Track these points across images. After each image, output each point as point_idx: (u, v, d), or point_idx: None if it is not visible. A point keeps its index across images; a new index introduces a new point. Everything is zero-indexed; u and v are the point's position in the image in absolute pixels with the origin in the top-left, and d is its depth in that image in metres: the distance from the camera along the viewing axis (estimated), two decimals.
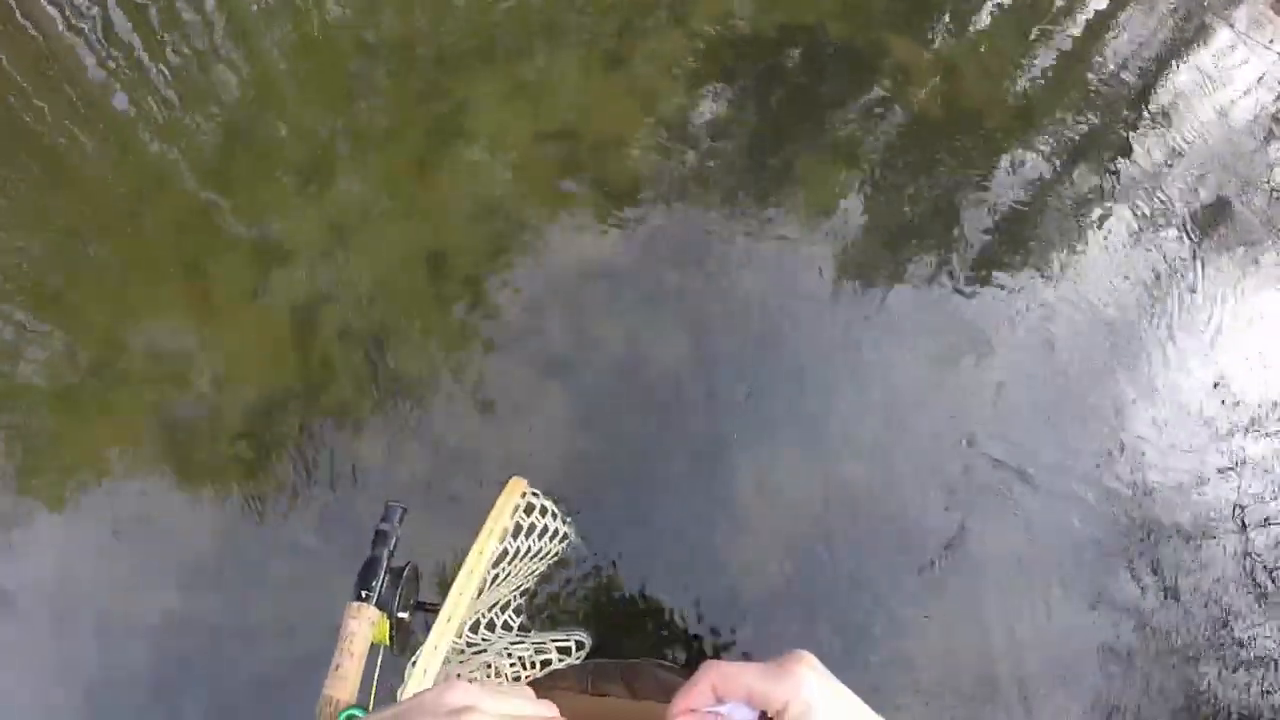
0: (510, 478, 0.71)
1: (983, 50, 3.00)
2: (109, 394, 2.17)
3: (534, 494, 0.73)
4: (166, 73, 2.80)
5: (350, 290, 2.23)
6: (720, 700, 0.47)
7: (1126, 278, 2.43)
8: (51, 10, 3.33)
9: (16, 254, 2.49)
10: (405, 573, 0.81)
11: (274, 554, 1.98)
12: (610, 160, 2.44)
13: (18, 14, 3.23)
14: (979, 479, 2.05)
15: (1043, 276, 2.39)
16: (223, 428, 2.07)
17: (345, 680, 0.69)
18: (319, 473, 2.02)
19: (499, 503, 0.68)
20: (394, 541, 0.82)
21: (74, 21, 3.09)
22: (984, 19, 3.14)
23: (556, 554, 0.81)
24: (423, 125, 2.54)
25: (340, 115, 2.61)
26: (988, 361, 2.21)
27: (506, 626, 0.91)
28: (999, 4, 3.21)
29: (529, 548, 0.74)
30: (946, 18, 3.09)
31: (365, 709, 0.65)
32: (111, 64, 2.87)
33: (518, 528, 0.71)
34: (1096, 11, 3.30)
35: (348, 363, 2.12)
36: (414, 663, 0.67)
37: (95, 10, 3.14)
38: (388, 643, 0.77)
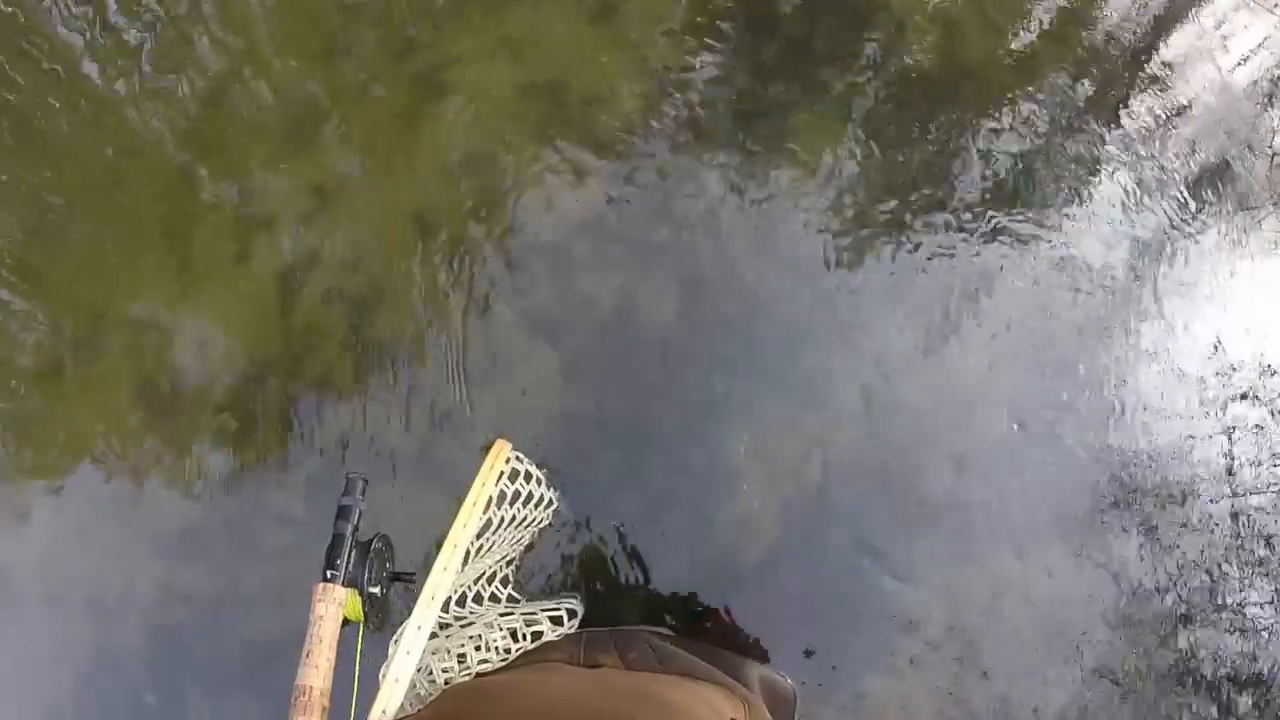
0: (494, 439, 0.68)
1: (983, 3, 2.94)
2: (92, 369, 2.14)
3: (518, 458, 0.70)
4: (141, 35, 2.72)
5: (334, 254, 2.18)
6: None
7: (1125, 239, 2.41)
8: None
9: None
10: (374, 545, 0.77)
11: (262, 524, 1.97)
12: (598, 114, 2.36)
13: None
14: (972, 440, 2.04)
15: (1039, 236, 2.35)
16: (208, 399, 2.05)
17: (318, 668, 0.66)
18: (305, 441, 2.00)
19: (483, 470, 0.65)
20: (358, 515, 0.78)
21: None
22: None
23: (543, 522, 0.78)
24: (405, 82, 2.45)
25: (320, 74, 2.52)
26: (982, 321, 2.19)
27: (494, 598, 0.88)
28: None
29: (514, 516, 0.71)
30: None
31: None
32: (84, 27, 2.79)
33: (502, 495, 0.68)
34: None
35: (333, 328, 2.08)
36: (397, 640, 0.64)
37: None
38: (362, 620, 0.73)
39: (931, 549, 1.95)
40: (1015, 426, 2.08)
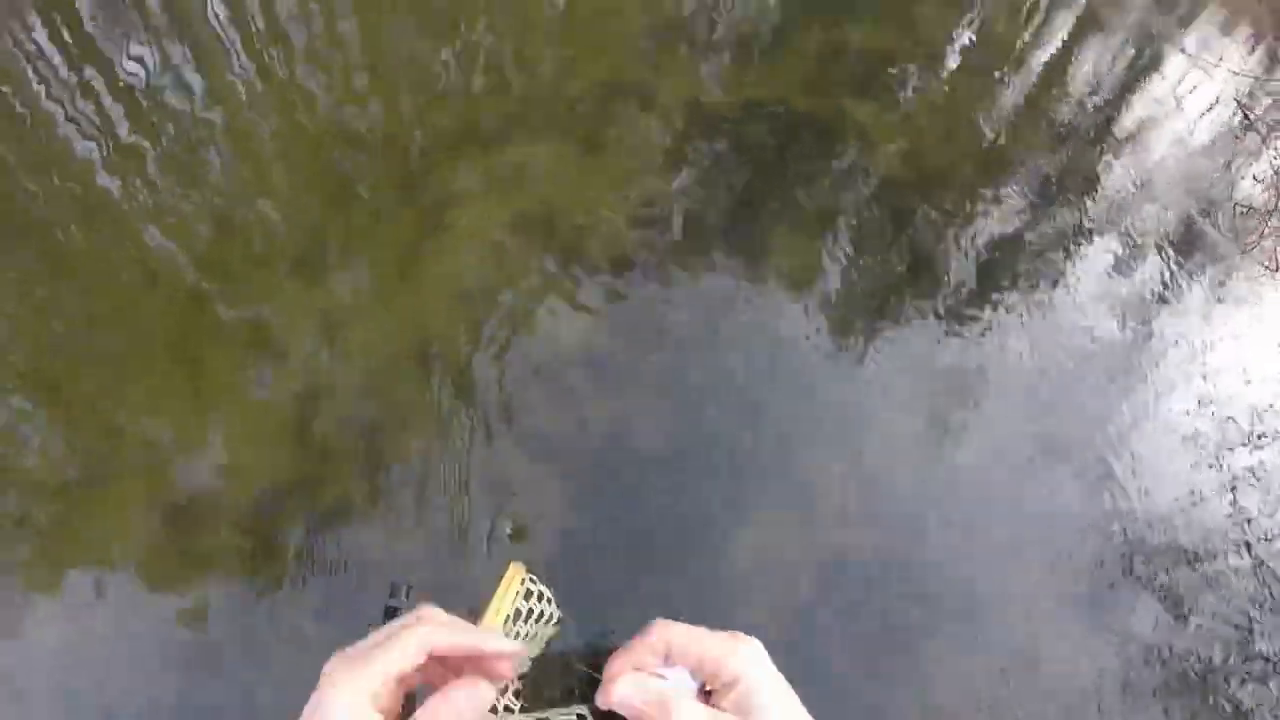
0: (509, 563, 0.72)
1: (943, 104, 3.09)
2: (109, 484, 2.18)
3: (532, 579, 0.74)
4: (159, 163, 2.90)
5: (345, 381, 2.25)
6: (666, 662, 0.45)
7: (1107, 307, 2.47)
8: (48, 104, 3.38)
9: (15, 342, 2.51)
10: None
11: (277, 642, 1.96)
12: (589, 243, 2.49)
13: (16, 104, 3.31)
14: (977, 518, 2.04)
15: (1025, 314, 2.42)
16: (224, 517, 2.08)
17: None
18: (318, 561, 2.01)
19: (500, 590, 0.69)
20: (404, 617, 0.84)
21: (70, 110, 3.17)
22: (942, 73, 3.24)
23: (550, 638, 0.81)
24: (409, 218, 2.59)
25: (329, 208, 2.67)
26: (976, 406, 2.22)
27: (508, 709, 0.90)
28: (957, 58, 3.32)
29: (526, 632, 0.74)
30: (906, 78, 3.18)
31: None
32: (105, 154, 2.97)
33: (516, 613, 0.71)
34: (1051, 54, 3.42)
35: (345, 453, 2.13)
36: None
37: (90, 103, 3.22)
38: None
39: (944, 628, 1.92)
40: (1018, 501, 2.08)
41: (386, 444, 2.14)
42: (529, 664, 0.80)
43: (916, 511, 2.03)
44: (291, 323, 2.39)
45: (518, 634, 0.76)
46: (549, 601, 0.73)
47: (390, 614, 0.85)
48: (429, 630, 0.45)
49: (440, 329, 2.33)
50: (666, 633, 0.46)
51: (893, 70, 3.15)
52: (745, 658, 0.44)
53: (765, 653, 0.45)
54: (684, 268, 2.44)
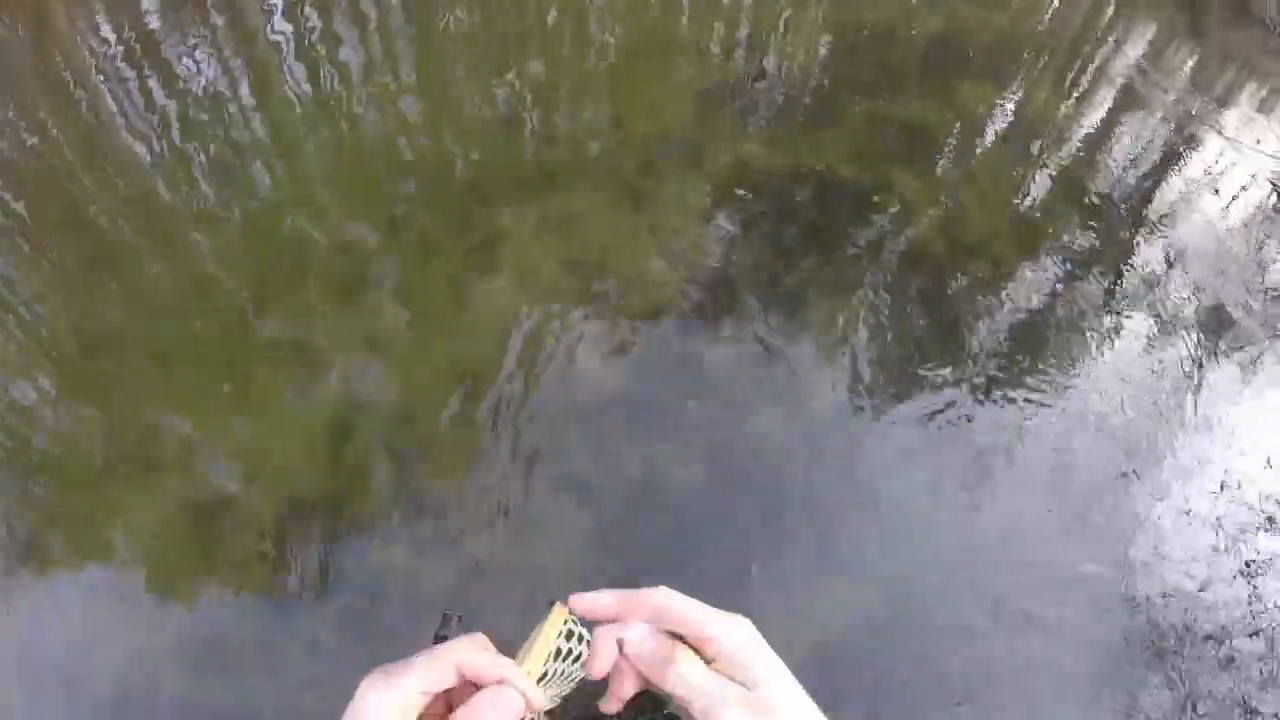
0: (553, 602, 0.75)
1: (981, 176, 3.14)
2: (139, 478, 2.21)
3: (573, 620, 0.77)
4: (211, 169, 2.97)
5: (383, 403, 2.29)
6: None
7: (1133, 386, 2.48)
8: (111, 101, 3.50)
9: (60, 330, 2.56)
10: None
11: (291, 650, 1.97)
12: (632, 292, 2.56)
13: (82, 106, 3.43)
14: (994, 601, 2.04)
15: (1051, 391, 2.44)
16: (250, 522, 2.11)
17: None
18: (341, 576, 2.03)
19: (544, 630, 0.72)
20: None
21: (132, 118, 3.28)
22: (984, 146, 3.30)
23: (584, 678, 0.84)
24: (457, 253, 2.66)
25: (379, 233, 2.73)
26: (1002, 478, 2.23)
27: None
28: (997, 131, 3.38)
29: (562, 671, 0.77)
30: (948, 149, 3.25)
31: None
32: (163, 159, 3.06)
33: (557, 652, 0.74)
34: (1089, 130, 3.46)
35: (377, 473, 2.16)
36: None
37: (152, 111, 3.33)
38: None
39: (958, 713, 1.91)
40: (1035, 585, 2.07)
41: (419, 469, 2.17)
42: (559, 701, 0.83)
43: (938, 582, 2.04)
44: (335, 343, 2.44)
45: (556, 671, 0.79)
46: (587, 644, 0.77)
47: (440, 642, 0.88)
48: (463, 650, 0.48)
49: (480, 362, 2.38)
50: (669, 601, 0.50)
51: (934, 142, 3.24)
52: (740, 633, 0.48)
53: (757, 631, 0.49)
54: (725, 320, 2.50)
